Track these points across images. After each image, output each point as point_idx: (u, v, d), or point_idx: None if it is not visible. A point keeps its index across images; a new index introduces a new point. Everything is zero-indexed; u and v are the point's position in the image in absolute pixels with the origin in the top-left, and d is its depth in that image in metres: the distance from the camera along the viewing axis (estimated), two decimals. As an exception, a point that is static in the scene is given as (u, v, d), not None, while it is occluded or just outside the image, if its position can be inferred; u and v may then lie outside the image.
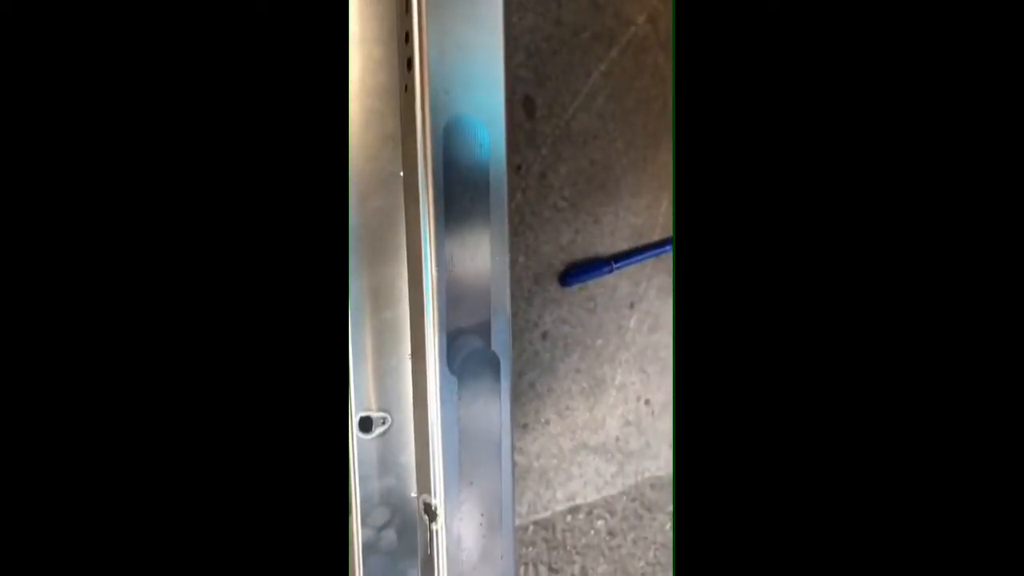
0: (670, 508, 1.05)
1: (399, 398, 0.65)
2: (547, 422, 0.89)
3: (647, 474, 1.02)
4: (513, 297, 0.83)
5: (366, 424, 0.64)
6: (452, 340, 0.54)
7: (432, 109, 0.43)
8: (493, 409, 0.62)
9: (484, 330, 0.54)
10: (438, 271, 0.49)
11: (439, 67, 0.42)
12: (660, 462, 1.03)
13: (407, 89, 0.47)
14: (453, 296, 0.53)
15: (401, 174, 0.60)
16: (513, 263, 0.83)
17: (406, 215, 0.55)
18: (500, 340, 0.56)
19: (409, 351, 0.64)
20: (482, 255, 0.50)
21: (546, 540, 0.93)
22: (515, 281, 0.82)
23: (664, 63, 0.94)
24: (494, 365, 0.56)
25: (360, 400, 0.64)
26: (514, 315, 0.83)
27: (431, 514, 0.61)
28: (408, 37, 0.44)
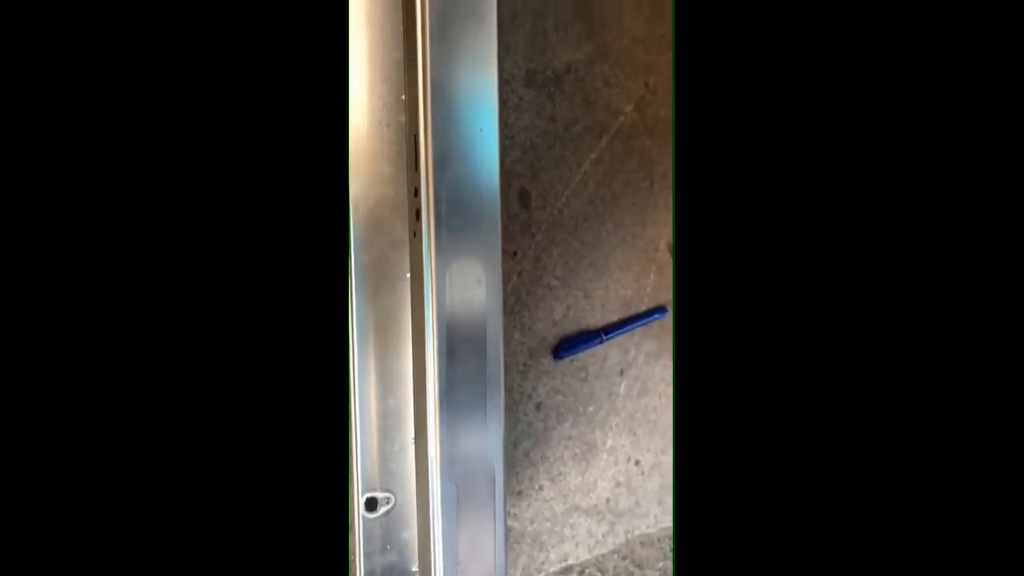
0: (660, 564, 1.10)
1: (402, 479, 0.70)
2: (540, 488, 0.94)
3: (637, 532, 1.06)
4: (508, 371, 0.89)
5: (371, 504, 0.69)
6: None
7: (438, 255, 0.49)
8: (487, 490, 0.68)
9: (480, 433, 0.60)
10: (440, 399, 0.54)
11: (444, 219, 0.49)
12: (650, 520, 1.08)
13: (416, 235, 0.53)
14: (453, 408, 0.59)
15: (408, 275, 0.66)
16: (508, 339, 0.89)
17: (413, 349, 0.60)
18: (494, 452, 0.61)
19: (412, 435, 0.70)
20: (479, 382, 0.57)
21: (540, 599, 0.97)
22: (510, 356, 0.88)
23: (651, 146, 1.01)
24: (489, 476, 0.61)
25: (366, 481, 0.69)
26: (509, 389, 0.89)
27: (431, 589, 0.66)
28: (417, 192, 0.51)
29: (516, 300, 0.87)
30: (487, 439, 0.65)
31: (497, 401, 0.62)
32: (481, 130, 0.50)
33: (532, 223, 0.87)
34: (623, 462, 1.05)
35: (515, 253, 0.86)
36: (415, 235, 0.53)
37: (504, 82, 0.72)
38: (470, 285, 0.50)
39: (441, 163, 0.49)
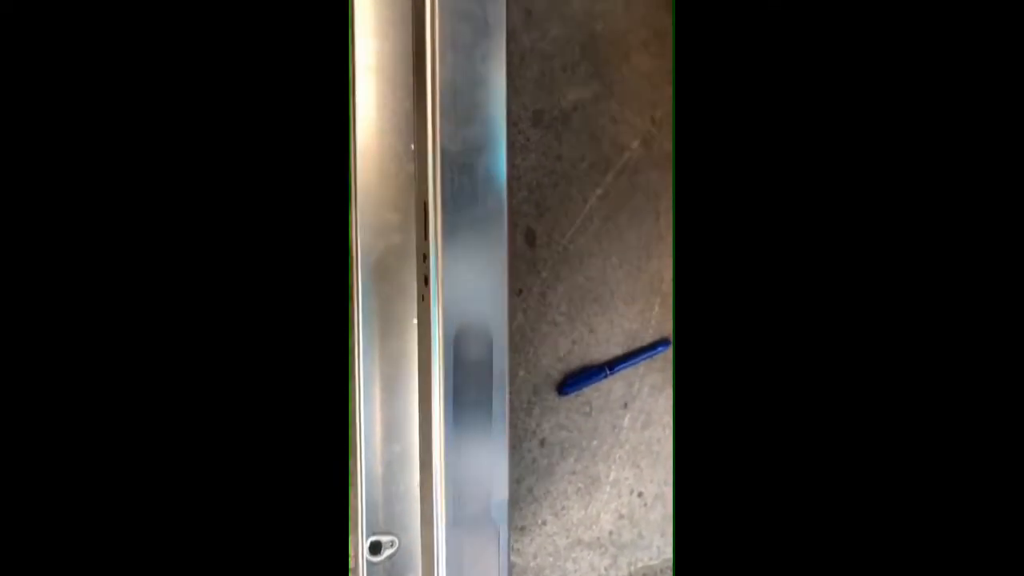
0: (662, 596, 1.10)
1: (406, 522, 0.71)
2: (543, 523, 0.94)
3: (640, 564, 1.06)
4: (512, 409, 0.89)
5: (376, 548, 0.70)
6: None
7: (445, 319, 0.50)
8: (492, 532, 0.68)
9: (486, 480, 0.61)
10: (446, 448, 0.55)
11: (452, 284, 0.50)
12: (652, 551, 1.08)
13: (423, 299, 0.54)
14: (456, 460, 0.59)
15: (415, 321, 0.67)
16: (513, 377, 0.89)
17: (420, 406, 0.61)
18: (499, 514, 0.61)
19: (416, 479, 0.70)
20: (484, 427, 0.57)
21: (542, 632, 0.97)
22: (514, 394, 0.88)
23: (656, 179, 1.01)
24: (494, 518, 0.62)
25: (371, 524, 0.70)
26: (513, 426, 0.89)
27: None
28: (426, 257, 0.52)
29: (521, 337, 0.88)
30: (493, 484, 0.65)
31: (503, 447, 0.63)
32: (490, 191, 0.51)
33: (537, 260, 0.88)
34: (626, 494, 1.05)
35: (520, 291, 0.86)
36: (423, 299, 0.54)
37: (511, 123, 0.73)
38: (478, 347, 0.51)
39: (451, 231, 0.49)
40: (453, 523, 0.65)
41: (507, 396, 0.54)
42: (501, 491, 0.60)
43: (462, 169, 0.49)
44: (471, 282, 0.51)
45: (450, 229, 0.49)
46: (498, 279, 0.52)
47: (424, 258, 0.53)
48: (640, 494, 1.07)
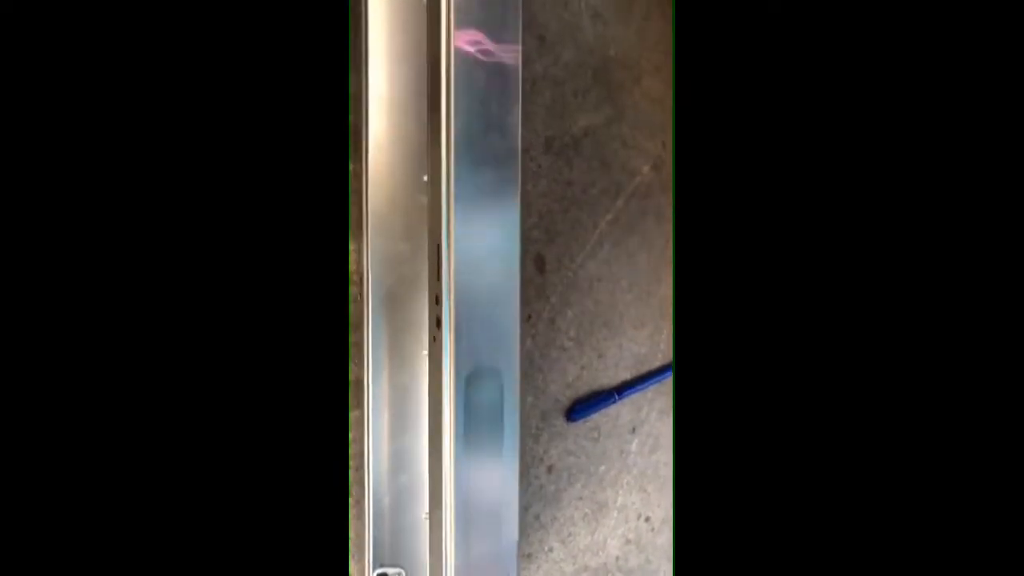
0: (668, 621, 1.08)
1: (413, 554, 0.70)
2: (550, 550, 0.93)
3: (646, 590, 1.05)
4: (520, 435, 0.89)
5: (383, 580, 0.69)
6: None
7: (456, 361, 0.50)
8: (501, 565, 0.67)
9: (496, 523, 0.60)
10: (457, 483, 0.55)
11: (464, 326, 0.49)
12: (659, 577, 1.07)
13: (435, 340, 0.53)
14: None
15: (424, 352, 0.66)
16: (522, 403, 0.89)
17: (429, 445, 0.61)
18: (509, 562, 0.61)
19: (424, 511, 0.69)
20: (494, 474, 0.57)
21: (547, 659, 0.96)
22: (523, 420, 0.88)
23: (666, 204, 1.01)
24: (503, 552, 0.61)
25: (378, 557, 0.69)
26: (521, 453, 0.88)
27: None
28: (439, 300, 0.51)
29: (530, 363, 0.87)
30: (503, 519, 0.65)
31: (514, 484, 0.62)
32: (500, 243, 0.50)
33: (547, 286, 0.87)
34: (633, 519, 1.04)
35: (529, 317, 0.86)
36: (435, 340, 0.54)
37: (523, 151, 0.72)
38: (490, 391, 0.51)
39: (463, 273, 0.49)
40: (463, 554, 0.65)
41: (518, 436, 0.54)
42: (511, 528, 0.60)
43: (476, 212, 0.49)
44: (484, 326, 0.50)
45: (464, 272, 0.49)
46: (511, 322, 0.51)
47: (437, 300, 0.53)
48: (647, 519, 1.07)
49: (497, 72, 0.49)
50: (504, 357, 0.51)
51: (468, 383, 0.51)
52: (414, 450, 0.69)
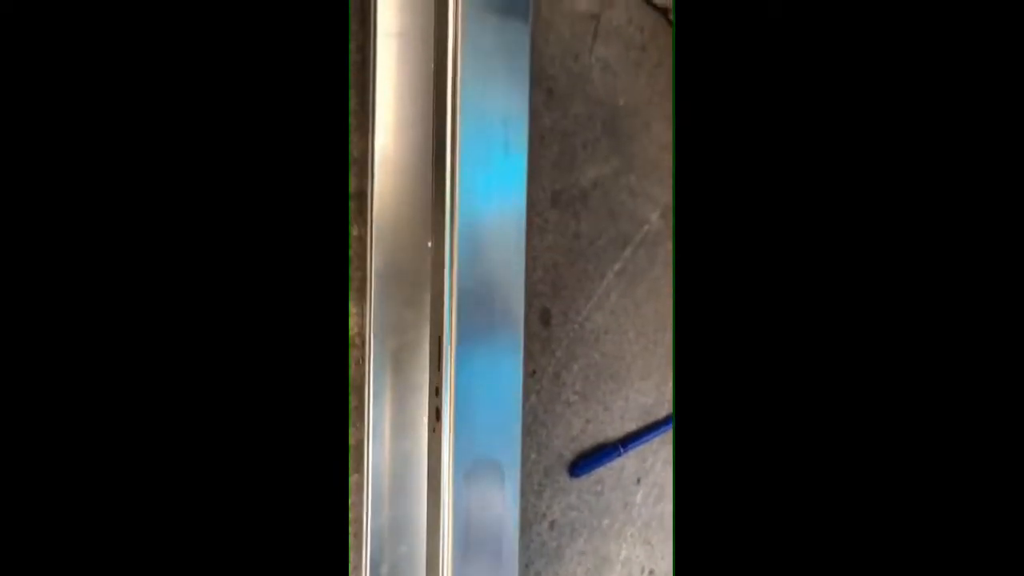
0: (671, 676, 1.06)
1: (412, 626, 0.68)
2: (552, 608, 0.91)
3: (649, 644, 1.03)
4: (523, 492, 0.87)
5: (379, 653, 0.67)
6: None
7: (456, 453, 0.48)
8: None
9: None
10: (454, 549, 0.53)
11: (465, 422, 0.48)
12: (662, 631, 1.05)
13: (435, 431, 0.52)
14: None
15: (426, 419, 0.65)
16: (524, 460, 0.87)
17: (427, 546, 0.59)
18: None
19: (423, 581, 0.68)
20: (495, 531, 0.55)
21: None
22: (525, 476, 0.86)
23: (675, 252, 0.99)
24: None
25: (375, 629, 0.67)
26: (522, 509, 0.86)
27: None
28: (439, 391, 0.50)
29: (533, 419, 0.85)
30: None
31: (513, 548, 0.60)
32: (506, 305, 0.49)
33: (552, 340, 0.86)
34: (637, 573, 1.02)
35: (534, 372, 0.84)
36: (434, 431, 0.52)
37: (529, 206, 0.71)
38: (490, 487, 0.49)
39: (465, 367, 0.48)
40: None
41: (517, 537, 0.52)
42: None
43: (478, 305, 0.48)
44: (484, 418, 0.49)
45: (464, 364, 0.47)
46: (513, 413, 0.50)
47: (436, 392, 0.51)
48: (651, 572, 1.04)
49: (505, 150, 0.48)
50: (505, 450, 0.50)
51: (468, 478, 0.49)
52: (414, 519, 0.67)
